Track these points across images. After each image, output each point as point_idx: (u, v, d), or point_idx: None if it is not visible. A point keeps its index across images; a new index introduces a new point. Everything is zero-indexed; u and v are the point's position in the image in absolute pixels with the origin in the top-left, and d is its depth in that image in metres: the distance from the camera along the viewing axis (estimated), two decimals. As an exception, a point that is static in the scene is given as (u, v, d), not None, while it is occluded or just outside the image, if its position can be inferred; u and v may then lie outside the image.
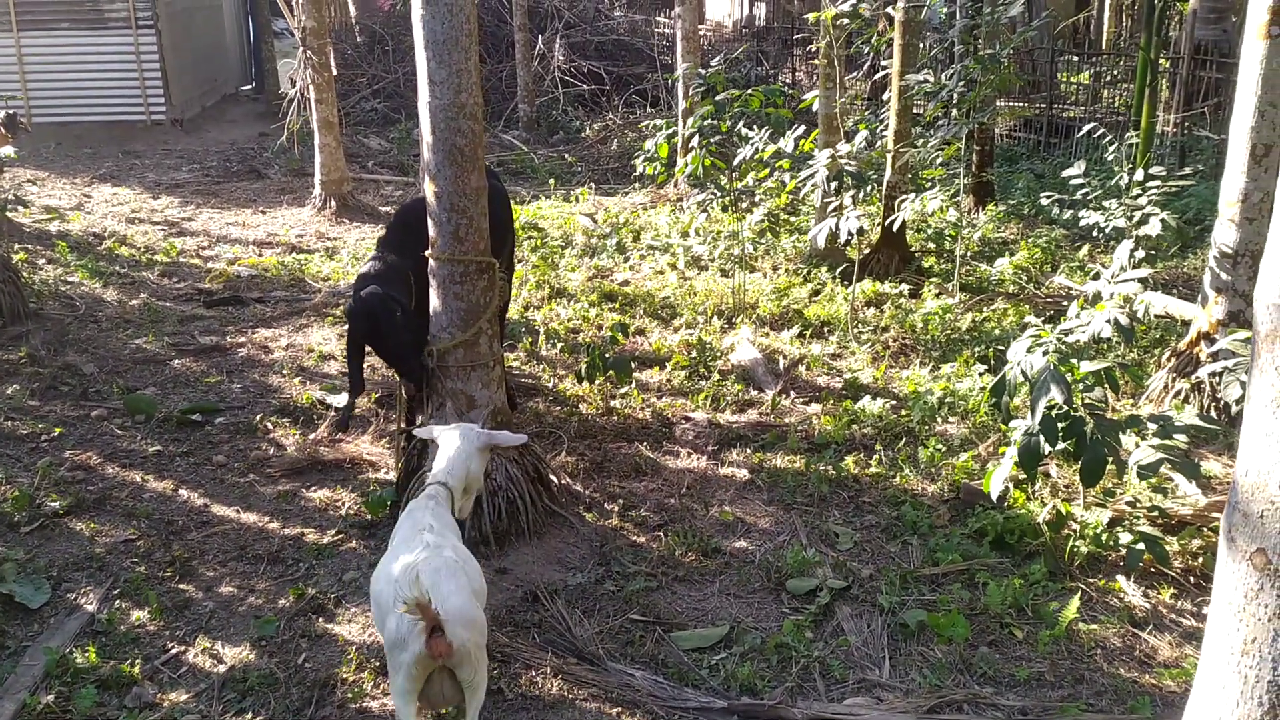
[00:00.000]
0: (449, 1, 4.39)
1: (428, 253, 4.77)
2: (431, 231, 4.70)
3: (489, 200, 4.79)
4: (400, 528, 3.46)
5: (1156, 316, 7.00)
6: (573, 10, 18.63)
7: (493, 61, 17.05)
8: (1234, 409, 4.30)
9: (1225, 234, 5.68)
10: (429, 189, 4.64)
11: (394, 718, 3.27)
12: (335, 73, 12.80)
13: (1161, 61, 9.56)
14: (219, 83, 19.12)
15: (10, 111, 9.05)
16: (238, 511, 5.14)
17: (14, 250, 8.85)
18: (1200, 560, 4.44)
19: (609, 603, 4.33)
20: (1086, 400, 4.35)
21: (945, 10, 11.37)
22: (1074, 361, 4.38)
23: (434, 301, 4.79)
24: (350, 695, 3.78)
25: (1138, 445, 4.48)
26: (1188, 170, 9.03)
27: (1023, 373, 4.29)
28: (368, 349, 5.20)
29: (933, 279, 8.28)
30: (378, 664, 3.93)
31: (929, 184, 9.59)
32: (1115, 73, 15.29)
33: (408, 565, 3.08)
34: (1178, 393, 5.75)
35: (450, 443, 3.80)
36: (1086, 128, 6.80)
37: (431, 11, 4.42)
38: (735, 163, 7.99)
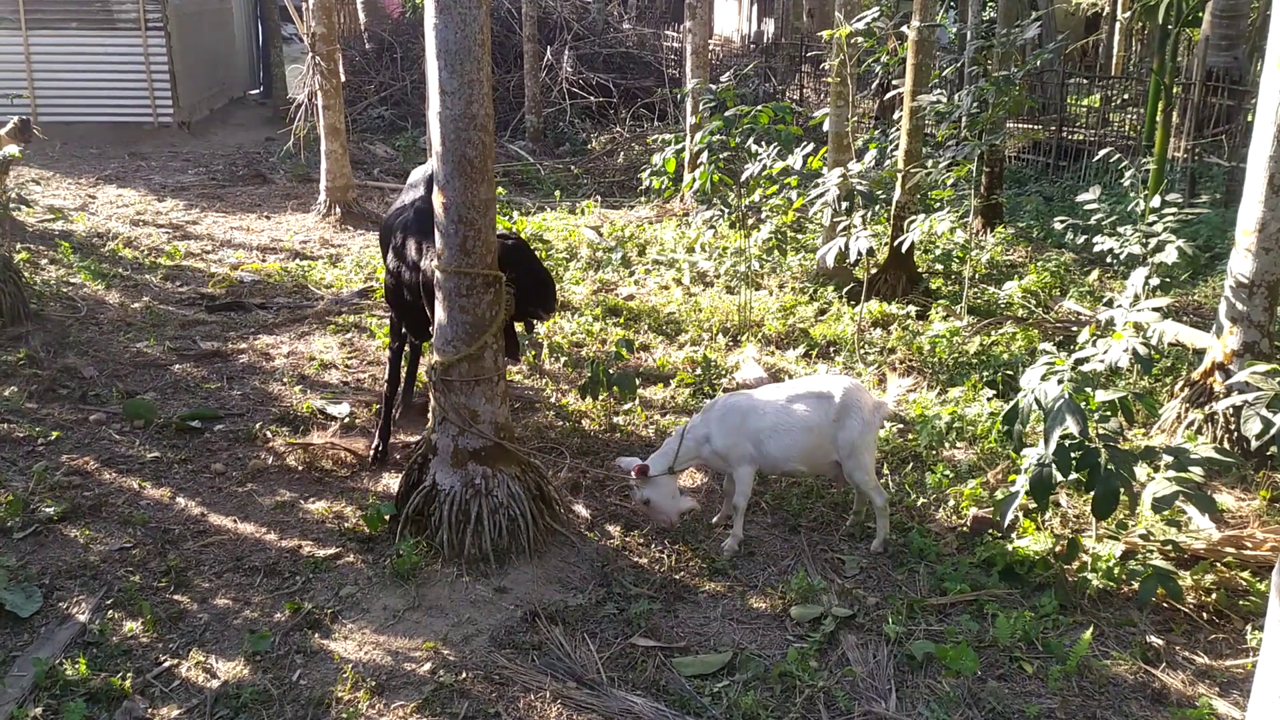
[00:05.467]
0: (462, 11, 4.34)
1: (434, 264, 4.71)
2: (438, 243, 4.63)
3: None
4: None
5: (1168, 345, 6.93)
6: (582, 22, 18.64)
7: (500, 71, 17.03)
8: (1253, 444, 4.22)
9: (1241, 263, 5.61)
10: (437, 200, 4.58)
11: None
12: (343, 79, 12.77)
13: (1173, 88, 9.51)
14: (227, 86, 19.12)
15: (23, 117, 9.03)
16: (235, 521, 5.06)
17: (16, 250, 8.79)
18: (1214, 596, 4.36)
19: (610, 625, 4.25)
20: (1101, 430, 4.27)
21: (954, 30, 11.35)
22: (1088, 390, 4.30)
23: (438, 315, 4.73)
24: (345, 715, 3.70)
25: (1151, 477, 4.41)
26: (1204, 198, 8.97)
27: (1037, 401, 4.22)
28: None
29: (940, 301, 8.21)
30: (373, 683, 3.85)
31: (938, 205, 9.54)
32: (1125, 97, 15.29)
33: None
34: (1191, 423, 5.67)
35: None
36: (1103, 152, 6.74)
37: (445, 20, 4.36)
38: (743, 179, 7.94)
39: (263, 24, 19.95)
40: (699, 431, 4.79)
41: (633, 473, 4.72)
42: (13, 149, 8.37)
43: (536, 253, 5.39)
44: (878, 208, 7.93)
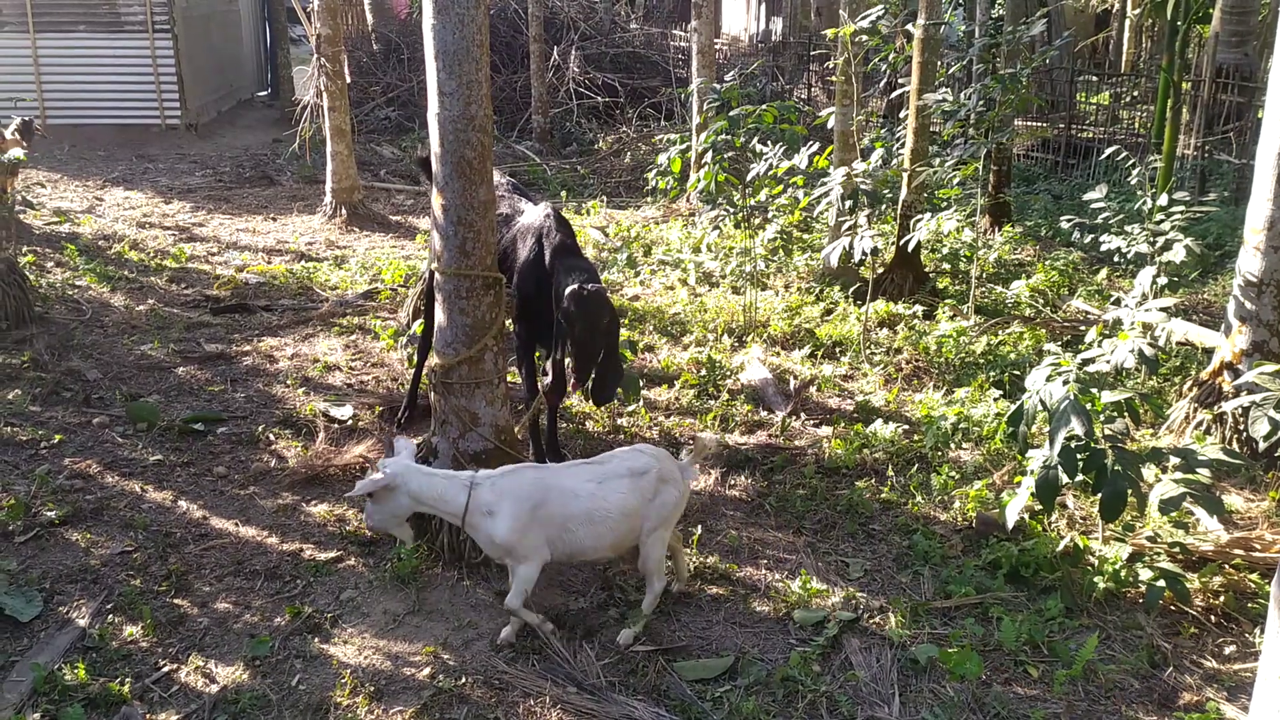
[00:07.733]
0: (461, 11, 4.32)
1: (433, 266, 4.68)
2: (437, 245, 4.61)
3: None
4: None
5: (1177, 344, 6.87)
6: (589, 22, 18.61)
7: (507, 72, 17.02)
8: (1260, 445, 4.16)
9: (1250, 262, 5.55)
10: (436, 201, 4.56)
11: None
12: (350, 80, 12.78)
13: (1183, 84, 9.44)
14: (234, 88, 19.15)
15: (25, 118, 9.05)
16: (237, 525, 5.05)
17: (22, 253, 8.80)
18: (1222, 599, 4.30)
19: (611, 629, 4.21)
20: (1107, 431, 4.22)
21: (963, 29, 11.29)
22: (1094, 391, 4.25)
23: (438, 317, 4.70)
24: (343, 721, 3.68)
25: (1158, 479, 4.36)
26: (1212, 196, 8.89)
27: (1042, 402, 4.17)
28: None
29: (947, 300, 8.16)
30: (372, 688, 3.83)
31: (945, 204, 9.48)
32: (1134, 94, 15.19)
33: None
34: (1199, 423, 5.61)
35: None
36: (1109, 150, 6.68)
37: (442, 21, 4.34)
38: (748, 178, 7.90)
39: (270, 25, 19.99)
40: (484, 497, 3.93)
41: (382, 469, 3.93)
42: (18, 152, 8.40)
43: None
44: (884, 207, 7.88)
